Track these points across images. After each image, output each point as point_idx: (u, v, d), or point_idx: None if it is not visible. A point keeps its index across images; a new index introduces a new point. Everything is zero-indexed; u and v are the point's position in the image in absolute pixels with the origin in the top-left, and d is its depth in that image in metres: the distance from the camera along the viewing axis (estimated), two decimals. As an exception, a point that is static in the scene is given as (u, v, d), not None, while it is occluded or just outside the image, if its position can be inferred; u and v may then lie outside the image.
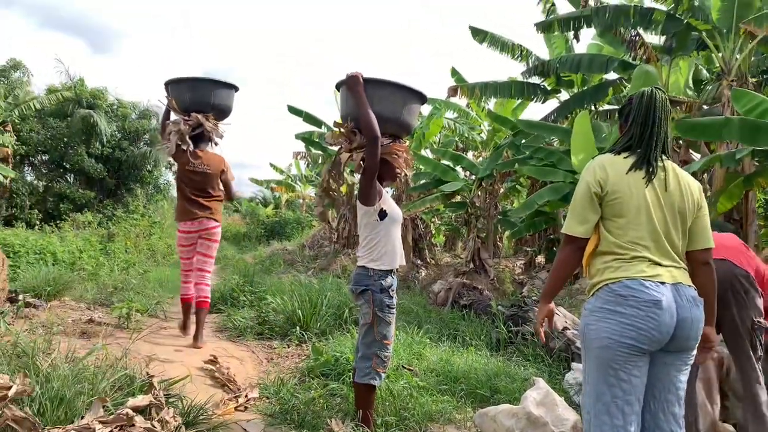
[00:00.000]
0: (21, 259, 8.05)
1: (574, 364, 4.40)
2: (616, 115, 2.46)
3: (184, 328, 5.16)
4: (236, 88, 5.09)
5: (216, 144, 5.07)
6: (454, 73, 11.73)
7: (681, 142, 8.95)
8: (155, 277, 9.70)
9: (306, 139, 13.97)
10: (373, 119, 2.87)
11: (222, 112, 5.02)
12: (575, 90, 11.04)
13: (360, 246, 3.12)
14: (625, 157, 2.06)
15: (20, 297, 5.37)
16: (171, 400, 2.91)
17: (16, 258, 8.17)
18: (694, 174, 7.20)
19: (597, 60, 9.49)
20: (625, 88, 9.59)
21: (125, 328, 5.05)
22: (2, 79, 18.58)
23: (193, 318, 5.03)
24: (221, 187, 5.06)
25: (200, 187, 4.88)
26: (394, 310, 3.04)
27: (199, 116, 4.81)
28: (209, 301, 5.07)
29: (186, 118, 4.80)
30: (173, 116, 4.94)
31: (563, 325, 5.62)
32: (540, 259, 11.54)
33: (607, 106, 10.06)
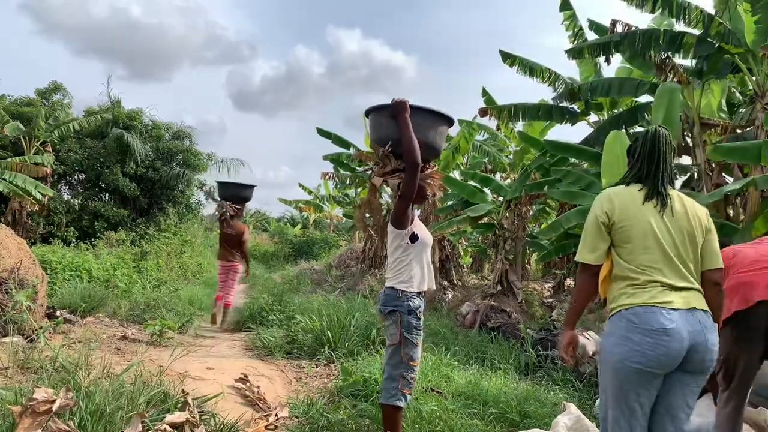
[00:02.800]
0: (58, 276, 8.28)
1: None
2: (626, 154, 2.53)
3: (213, 321, 7.72)
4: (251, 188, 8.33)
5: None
6: (485, 93, 11.79)
7: (713, 165, 8.82)
8: (186, 294, 9.86)
9: (334, 160, 14.14)
10: (416, 146, 2.92)
11: None
12: (604, 113, 10.99)
13: (389, 267, 3.15)
14: (638, 190, 2.23)
15: (58, 313, 5.52)
16: (204, 417, 2.96)
17: (53, 275, 8.41)
18: (727, 197, 7.09)
19: (627, 84, 9.45)
20: (656, 110, 9.50)
21: (158, 345, 5.15)
22: (44, 101, 19.29)
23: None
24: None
25: (231, 242, 7.90)
26: (421, 331, 3.06)
27: (225, 204, 7.84)
28: (231, 303, 7.99)
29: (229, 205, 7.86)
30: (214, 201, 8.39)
31: (593, 349, 5.54)
32: (569, 282, 11.38)
33: (639, 128, 9.97)
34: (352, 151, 13.80)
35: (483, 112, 10.26)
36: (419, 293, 3.07)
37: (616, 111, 10.74)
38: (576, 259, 2.25)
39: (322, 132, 14.05)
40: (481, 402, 4.06)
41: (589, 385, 4.95)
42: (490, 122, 11.48)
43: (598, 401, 4.31)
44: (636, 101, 10.54)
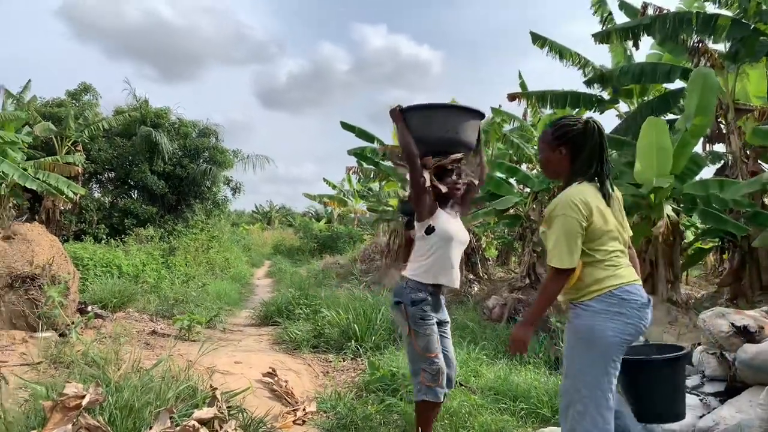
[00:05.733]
0: (89, 272, 8.42)
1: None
2: (554, 141, 2.48)
3: None
4: None
5: None
6: (520, 77, 11.59)
7: (749, 152, 8.53)
8: (214, 289, 9.96)
9: (358, 154, 14.09)
10: (409, 143, 3.03)
11: None
12: (634, 100, 10.73)
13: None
14: (595, 187, 2.36)
15: (89, 308, 5.60)
16: (232, 412, 2.95)
17: (84, 271, 8.57)
18: (764, 185, 6.84)
19: (659, 69, 9.19)
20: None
21: (186, 340, 5.18)
22: (74, 102, 19.67)
23: None
24: None
25: None
26: (431, 321, 2.98)
27: None
28: None
29: None
30: None
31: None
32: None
33: (670, 116, 9.70)
34: (376, 144, 13.72)
35: (511, 98, 10.12)
36: (432, 285, 3.01)
37: (646, 98, 10.48)
38: (555, 265, 2.27)
39: (345, 126, 14.01)
40: (511, 397, 3.98)
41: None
42: (518, 110, 11.31)
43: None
44: (666, 88, 10.27)
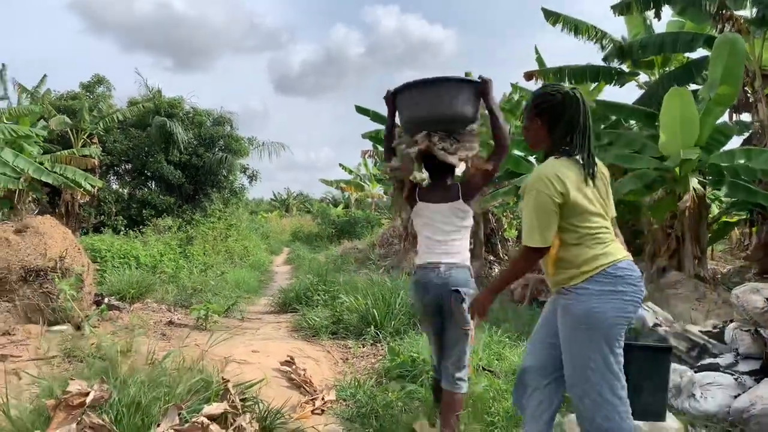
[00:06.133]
0: (107, 264, 8.42)
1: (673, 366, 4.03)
2: (532, 110, 2.35)
3: None
4: None
5: None
6: (537, 52, 11.30)
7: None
8: (232, 277, 9.93)
9: (373, 137, 13.91)
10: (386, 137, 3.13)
11: None
12: (655, 71, 10.38)
13: (449, 244, 2.87)
14: (575, 162, 2.22)
15: (105, 300, 5.57)
16: (248, 404, 2.86)
17: (102, 263, 8.57)
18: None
19: (681, 38, 8.84)
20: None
21: (203, 329, 5.12)
22: (88, 94, 19.73)
23: None
24: None
25: None
26: (420, 305, 2.91)
27: None
28: None
29: None
30: None
31: (654, 321, 5.22)
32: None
33: (693, 86, 9.36)
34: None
35: (528, 76, 9.85)
36: (421, 266, 2.86)
37: (668, 69, 10.13)
38: (527, 244, 2.20)
39: (360, 109, 13.82)
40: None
41: (651, 359, 4.66)
42: (537, 87, 11.08)
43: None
44: (688, 57, 9.91)
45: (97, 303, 5.53)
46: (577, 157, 2.22)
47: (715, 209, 11.02)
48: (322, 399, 3.33)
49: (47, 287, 4.64)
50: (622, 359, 2.17)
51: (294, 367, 3.80)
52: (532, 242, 2.17)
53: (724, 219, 9.96)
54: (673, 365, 3.97)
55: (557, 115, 2.25)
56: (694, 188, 6.81)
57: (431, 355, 3.03)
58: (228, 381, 2.81)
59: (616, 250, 2.20)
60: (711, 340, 4.50)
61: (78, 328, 4.66)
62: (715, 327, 4.72)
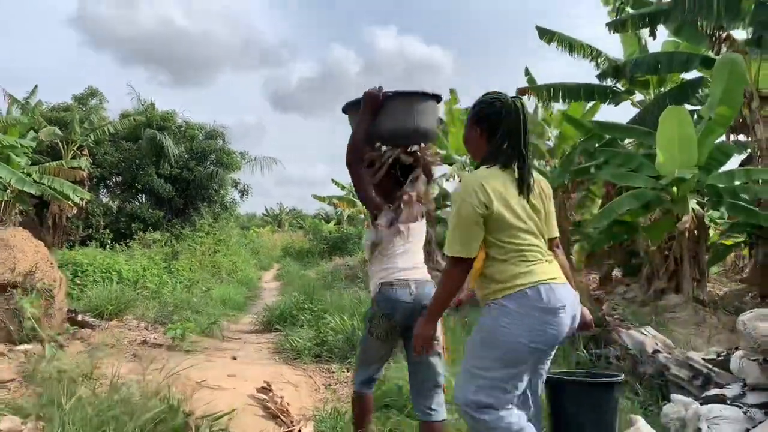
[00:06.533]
0: (88, 278, 8.14)
1: (674, 396, 3.80)
2: (471, 118, 2.27)
3: None
4: None
5: None
6: (527, 73, 11.21)
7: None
8: (218, 294, 9.65)
9: (366, 153, 13.74)
10: (360, 140, 2.67)
11: None
12: (651, 91, 10.28)
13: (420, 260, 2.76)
14: (507, 173, 2.12)
15: (79, 317, 5.30)
16: (215, 437, 2.60)
17: (84, 277, 8.29)
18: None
19: (676, 59, 8.75)
20: (708, 86, 8.79)
21: (179, 350, 4.85)
22: (81, 106, 19.53)
23: None
24: None
25: None
26: None
27: None
28: None
29: None
30: None
31: (653, 347, 4.99)
32: (617, 272, 10.73)
33: (689, 106, 9.25)
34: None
35: (522, 92, 9.72)
36: (392, 283, 2.67)
37: (663, 89, 10.04)
38: (449, 253, 2.09)
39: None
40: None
41: (650, 387, 4.43)
42: (529, 104, 10.99)
43: (666, 408, 3.83)
44: (683, 78, 9.83)
45: (71, 320, 5.26)
46: (513, 168, 2.12)
47: (710, 231, 10.87)
48: (299, 431, 3.07)
49: (14, 303, 4.37)
50: (518, 390, 2.05)
51: (270, 395, 3.54)
52: (454, 252, 2.06)
53: (721, 242, 9.78)
54: (678, 396, 3.74)
55: (495, 124, 2.16)
56: (693, 209, 6.63)
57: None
58: (190, 414, 2.55)
59: (543, 272, 2.06)
60: (715, 368, 4.27)
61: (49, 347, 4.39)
62: (719, 355, 4.48)
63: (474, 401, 2.02)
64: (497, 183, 2.08)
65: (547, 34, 9.56)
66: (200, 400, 3.26)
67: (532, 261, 2.07)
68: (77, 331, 4.91)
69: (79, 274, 8.37)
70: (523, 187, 2.09)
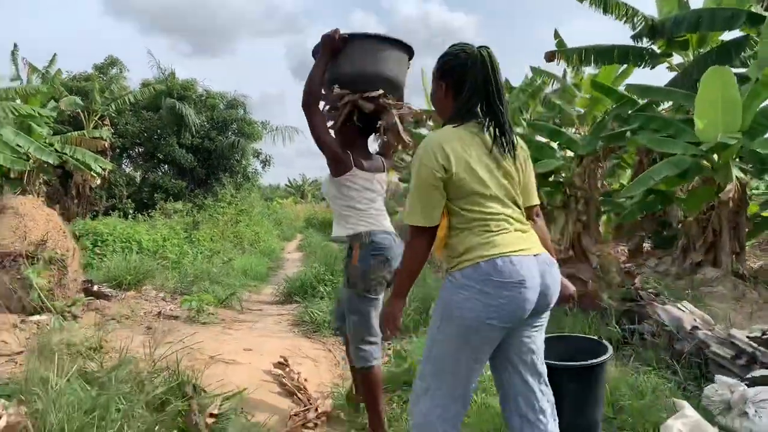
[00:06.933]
0: (108, 248, 8.09)
1: (718, 377, 3.53)
2: (436, 74, 2.03)
3: None
4: None
5: None
6: (556, 35, 10.69)
7: None
8: (240, 264, 9.56)
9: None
10: (318, 84, 2.59)
11: None
12: (689, 52, 9.70)
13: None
14: (475, 131, 1.91)
15: (95, 287, 5.20)
16: (226, 419, 2.43)
17: (104, 246, 8.24)
18: None
19: (720, 15, 8.17)
20: (755, 45, 8.22)
21: (195, 322, 4.72)
22: (101, 75, 19.45)
23: None
24: None
25: None
26: None
27: None
28: None
29: None
30: None
31: (692, 324, 4.70)
32: (647, 244, 10.36)
33: (733, 69, 8.70)
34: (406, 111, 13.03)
35: (550, 56, 9.26)
36: (383, 232, 2.71)
37: (703, 50, 9.46)
38: (409, 222, 1.92)
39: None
40: (562, 390, 3.37)
41: (689, 366, 4.16)
42: (559, 70, 10.52)
43: (707, 389, 3.57)
44: (721, 40, 9.24)
45: (86, 290, 5.16)
46: (483, 127, 1.90)
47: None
48: (316, 410, 2.89)
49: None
50: (475, 372, 1.90)
51: (287, 370, 3.37)
52: (413, 221, 1.89)
53: (762, 213, 9.30)
54: (723, 378, 3.48)
55: (461, 77, 1.93)
56: (737, 177, 6.22)
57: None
58: (191, 397, 2.37)
59: (505, 243, 1.85)
60: (760, 347, 3.98)
61: (62, 318, 4.29)
62: (764, 333, 4.19)
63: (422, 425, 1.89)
64: (460, 144, 1.88)
65: (580, -9, 9.06)
66: (213, 376, 3.11)
67: (494, 231, 1.87)
68: (92, 301, 4.80)
69: (99, 243, 8.33)
70: (499, 147, 1.89)
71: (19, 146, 12.17)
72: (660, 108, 9.35)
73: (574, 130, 11.99)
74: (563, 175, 9.73)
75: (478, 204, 1.88)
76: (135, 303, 5.25)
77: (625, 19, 9.45)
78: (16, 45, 17.00)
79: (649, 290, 5.87)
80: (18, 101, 13.46)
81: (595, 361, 2.20)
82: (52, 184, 16.34)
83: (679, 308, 5.01)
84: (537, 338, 2.01)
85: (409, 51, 2.69)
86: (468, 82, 1.91)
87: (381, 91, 2.59)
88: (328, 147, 2.55)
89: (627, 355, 4.61)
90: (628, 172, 13.95)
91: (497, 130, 1.89)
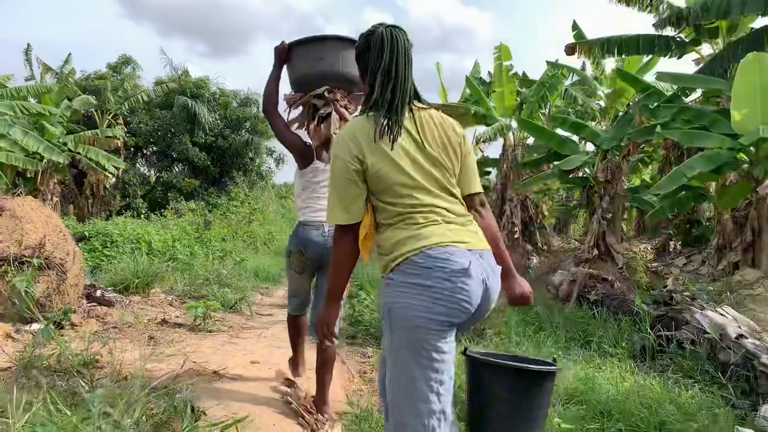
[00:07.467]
0: (117, 249, 7.89)
1: (774, 394, 3.18)
2: (356, 59, 1.93)
3: None
4: None
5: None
6: (575, 27, 10.30)
7: None
8: (252, 265, 9.32)
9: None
10: (273, 92, 2.88)
11: None
12: (719, 40, 9.25)
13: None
14: (384, 118, 1.75)
15: (98, 292, 4.95)
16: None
17: (113, 248, 8.04)
18: None
19: (752, -1, 7.74)
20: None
21: (201, 330, 4.45)
22: (115, 74, 19.36)
23: None
24: None
25: None
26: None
27: None
28: None
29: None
30: None
31: (736, 331, 4.33)
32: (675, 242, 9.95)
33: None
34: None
35: (570, 49, 8.89)
36: (309, 223, 2.98)
37: (734, 37, 9.01)
38: (329, 221, 1.81)
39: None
40: (598, 410, 3.05)
41: (737, 378, 3.81)
42: (577, 63, 10.13)
43: (765, 408, 3.23)
44: (751, 28, 8.78)
45: (89, 296, 4.93)
46: (382, 113, 1.74)
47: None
48: (325, 435, 2.59)
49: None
50: (435, 372, 1.67)
51: (294, 388, 3.08)
52: (334, 219, 1.78)
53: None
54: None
55: (367, 63, 1.84)
56: (779, 171, 5.82)
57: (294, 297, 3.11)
58: (199, 417, 2.08)
59: (436, 234, 1.70)
60: (815, 359, 3.62)
61: (59, 326, 4.05)
62: (820, 343, 3.82)
63: None
64: (366, 132, 1.75)
65: (602, -20, 8.64)
66: (216, 394, 2.83)
67: (422, 223, 1.73)
68: (93, 308, 4.56)
69: (108, 244, 8.13)
70: (392, 133, 1.72)
71: (28, 145, 12.04)
72: (688, 99, 8.92)
73: (594, 123, 11.58)
74: (587, 170, 9.35)
75: (401, 196, 1.74)
76: (140, 309, 5.00)
77: (649, 9, 9.05)
78: (29, 45, 16.97)
79: (684, 293, 5.50)
80: (31, 100, 13.37)
81: (533, 366, 1.89)
82: (66, 183, 16.27)
83: (721, 313, 4.64)
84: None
85: (347, 41, 2.76)
86: (373, 66, 1.80)
87: (325, 87, 2.83)
88: (289, 142, 2.86)
89: (664, 364, 4.28)
90: (649, 167, 13.48)
91: (390, 115, 1.74)
